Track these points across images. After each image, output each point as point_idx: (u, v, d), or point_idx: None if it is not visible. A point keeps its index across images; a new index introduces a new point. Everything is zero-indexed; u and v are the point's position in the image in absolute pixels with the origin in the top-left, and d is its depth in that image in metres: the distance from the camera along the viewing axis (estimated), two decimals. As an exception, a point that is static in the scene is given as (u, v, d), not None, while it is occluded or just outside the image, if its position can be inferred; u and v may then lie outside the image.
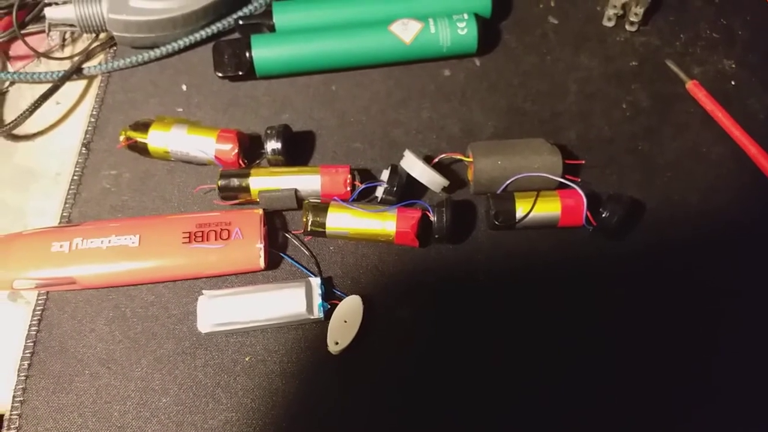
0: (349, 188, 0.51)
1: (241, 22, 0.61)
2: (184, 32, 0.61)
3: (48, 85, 0.59)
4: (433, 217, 0.50)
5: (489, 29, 0.62)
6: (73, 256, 0.48)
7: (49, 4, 0.60)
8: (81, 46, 0.64)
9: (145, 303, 0.50)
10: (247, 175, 0.52)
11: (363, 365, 0.47)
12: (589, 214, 0.50)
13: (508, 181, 0.51)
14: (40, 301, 0.50)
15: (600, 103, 0.59)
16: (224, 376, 0.47)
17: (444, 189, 0.52)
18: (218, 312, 0.47)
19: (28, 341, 0.48)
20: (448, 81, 0.61)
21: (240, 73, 0.59)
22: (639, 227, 0.53)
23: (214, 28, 0.61)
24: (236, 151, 0.53)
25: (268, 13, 0.61)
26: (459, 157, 0.54)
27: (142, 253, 0.49)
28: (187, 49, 0.62)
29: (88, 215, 0.54)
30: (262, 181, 0.52)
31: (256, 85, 0.60)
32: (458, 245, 0.52)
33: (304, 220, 0.50)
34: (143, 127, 0.54)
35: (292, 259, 0.51)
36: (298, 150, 0.56)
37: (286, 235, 0.52)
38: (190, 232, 0.49)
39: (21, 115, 0.57)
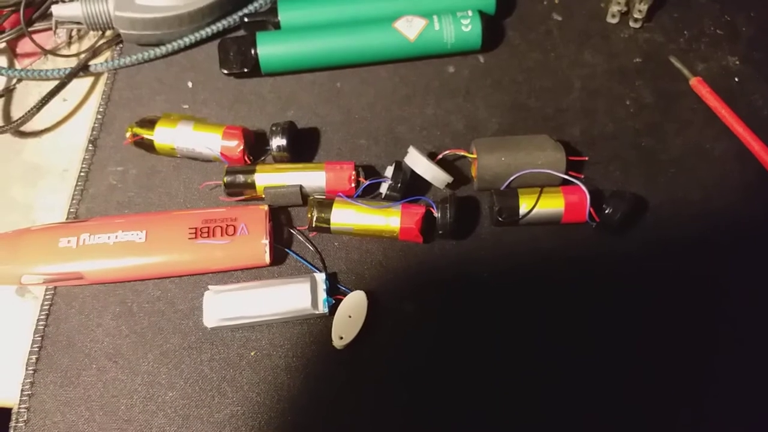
0: (353, 184, 0.52)
1: (246, 20, 0.62)
2: (190, 29, 0.61)
3: (55, 83, 0.59)
4: (436, 214, 0.50)
5: (493, 26, 0.62)
6: (81, 251, 0.49)
7: (56, 2, 0.61)
8: (87, 43, 0.64)
9: (152, 298, 0.50)
10: (253, 172, 0.52)
11: (367, 360, 0.48)
12: (592, 210, 0.50)
13: (511, 178, 0.52)
14: (47, 296, 0.50)
15: (604, 99, 0.59)
16: (230, 371, 0.48)
17: (448, 185, 0.53)
18: (224, 307, 0.48)
19: (36, 336, 0.49)
20: (452, 78, 0.61)
21: (245, 70, 0.59)
22: (642, 224, 0.53)
23: (220, 25, 0.62)
24: (242, 147, 0.53)
25: (273, 10, 0.61)
26: (463, 153, 0.54)
27: (149, 249, 0.49)
28: (192, 46, 0.62)
29: (95, 211, 0.54)
30: (267, 178, 0.52)
31: (262, 82, 0.61)
32: (462, 241, 0.52)
33: (309, 216, 0.51)
34: (149, 123, 0.55)
35: (297, 254, 0.52)
36: (303, 146, 0.57)
37: (291, 231, 0.53)
38: (196, 228, 0.50)
39: (28, 112, 0.57)
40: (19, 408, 0.46)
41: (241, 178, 0.52)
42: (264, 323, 0.49)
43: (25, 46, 0.64)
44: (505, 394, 0.47)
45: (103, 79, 0.62)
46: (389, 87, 0.60)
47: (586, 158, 0.56)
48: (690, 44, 0.63)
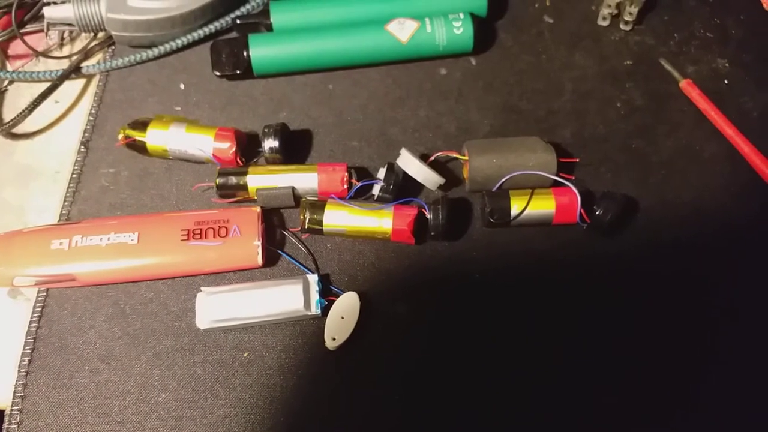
0: (345, 186, 0.52)
1: (238, 22, 0.62)
2: (182, 31, 0.61)
3: (47, 84, 0.59)
4: (429, 215, 0.50)
5: (485, 28, 0.62)
6: (73, 253, 0.49)
7: (48, 4, 0.60)
8: (79, 45, 0.64)
9: (144, 300, 0.50)
10: (245, 173, 0.52)
11: (359, 361, 0.48)
12: (583, 211, 0.51)
13: (503, 179, 0.52)
14: (40, 298, 0.50)
15: (595, 101, 0.60)
16: (223, 372, 0.48)
17: (440, 187, 0.53)
18: (216, 308, 0.48)
19: (29, 338, 0.49)
20: (444, 80, 0.61)
21: (238, 72, 0.59)
22: (633, 225, 0.53)
23: (212, 27, 0.62)
24: (234, 149, 0.53)
25: (265, 12, 0.61)
26: (455, 155, 0.55)
27: (141, 251, 0.49)
28: (185, 48, 0.62)
29: (87, 213, 0.54)
30: (259, 179, 0.52)
31: (254, 84, 0.61)
32: (454, 242, 0.53)
33: (302, 217, 0.51)
34: (142, 125, 0.55)
35: (290, 256, 0.52)
36: (296, 148, 0.57)
37: (284, 232, 0.53)
38: (188, 230, 0.50)
39: (20, 113, 0.57)
40: (12, 410, 0.46)
41: (233, 179, 0.52)
42: (256, 325, 0.49)
43: (16, 47, 0.64)
44: (497, 395, 0.47)
45: (95, 81, 0.62)
46: (381, 89, 0.61)
47: (577, 160, 0.56)
48: (680, 47, 0.63)
